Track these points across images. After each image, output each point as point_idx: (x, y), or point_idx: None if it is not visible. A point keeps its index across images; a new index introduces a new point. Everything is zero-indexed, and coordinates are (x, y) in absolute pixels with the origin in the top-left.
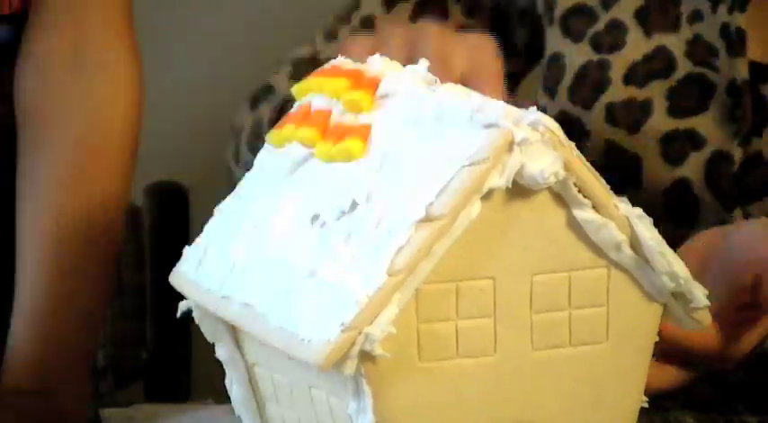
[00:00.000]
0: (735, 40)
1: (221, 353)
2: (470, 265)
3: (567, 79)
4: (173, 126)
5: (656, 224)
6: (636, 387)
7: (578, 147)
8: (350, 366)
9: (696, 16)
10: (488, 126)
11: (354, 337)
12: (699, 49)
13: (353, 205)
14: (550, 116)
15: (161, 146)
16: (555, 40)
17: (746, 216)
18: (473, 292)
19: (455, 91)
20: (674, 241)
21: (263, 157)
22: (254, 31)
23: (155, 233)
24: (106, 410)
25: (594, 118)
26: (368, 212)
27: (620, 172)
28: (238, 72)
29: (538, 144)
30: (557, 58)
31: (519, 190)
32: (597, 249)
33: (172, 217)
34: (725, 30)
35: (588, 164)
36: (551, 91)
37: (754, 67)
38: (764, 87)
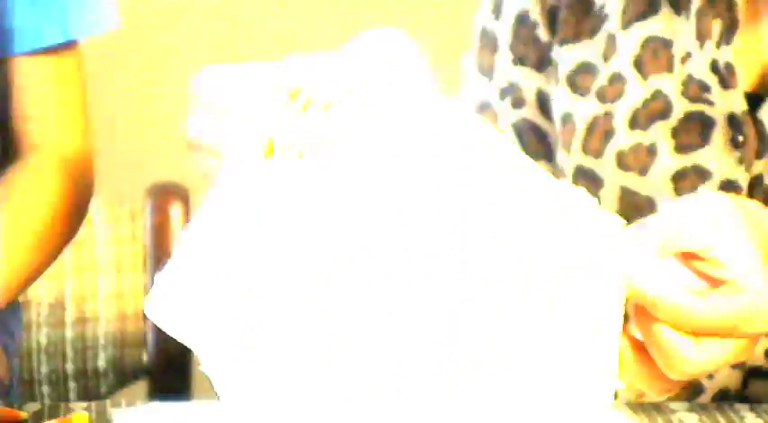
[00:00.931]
0: (725, 75)
1: None
2: None
3: (579, 133)
4: (173, 126)
5: None
6: (607, 372)
7: (593, 194)
8: None
9: (687, 56)
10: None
11: None
12: (691, 87)
13: None
14: (568, 170)
15: (161, 146)
16: (563, 100)
17: None
18: None
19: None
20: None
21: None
22: (256, 31)
23: (155, 233)
24: (113, 410)
25: (607, 166)
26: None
27: (636, 215)
28: None
29: None
30: (568, 117)
31: None
32: (561, 238)
33: (172, 217)
34: (714, 65)
35: None
36: (567, 147)
37: (747, 97)
38: (761, 112)
